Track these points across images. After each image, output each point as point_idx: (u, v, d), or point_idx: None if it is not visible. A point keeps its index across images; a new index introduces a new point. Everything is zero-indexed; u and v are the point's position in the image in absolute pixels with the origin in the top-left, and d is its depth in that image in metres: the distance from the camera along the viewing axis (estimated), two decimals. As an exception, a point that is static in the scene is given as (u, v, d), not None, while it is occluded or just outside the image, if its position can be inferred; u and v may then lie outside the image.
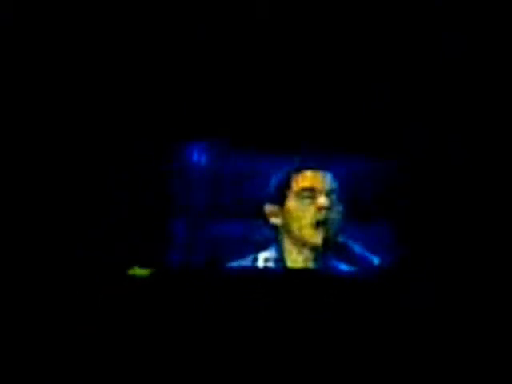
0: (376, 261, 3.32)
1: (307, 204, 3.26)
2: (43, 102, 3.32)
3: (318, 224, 3.25)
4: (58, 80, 3.33)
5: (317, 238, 3.26)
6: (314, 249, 3.28)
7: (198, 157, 3.34)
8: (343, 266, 3.32)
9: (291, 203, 3.28)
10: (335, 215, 3.28)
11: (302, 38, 3.37)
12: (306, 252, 3.29)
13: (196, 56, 3.39)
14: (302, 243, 3.28)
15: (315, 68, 3.42)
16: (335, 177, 3.32)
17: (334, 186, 3.31)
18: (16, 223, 3.21)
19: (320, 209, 3.25)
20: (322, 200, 3.25)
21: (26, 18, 3.30)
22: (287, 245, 3.30)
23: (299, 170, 3.32)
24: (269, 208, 3.30)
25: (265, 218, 3.30)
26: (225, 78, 3.39)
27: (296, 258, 3.29)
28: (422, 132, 3.46)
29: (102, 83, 3.35)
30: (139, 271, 3.19)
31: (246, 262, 3.28)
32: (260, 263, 3.29)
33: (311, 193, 3.27)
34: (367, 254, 3.32)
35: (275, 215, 3.30)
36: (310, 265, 3.29)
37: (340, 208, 3.30)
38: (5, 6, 3.28)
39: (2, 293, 3.08)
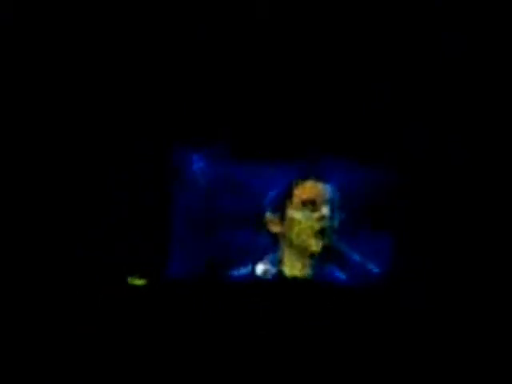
0: (374, 269, 3.36)
1: (308, 213, 3.32)
2: (43, 102, 3.32)
3: (319, 233, 3.31)
4: (59, 81, 3.33)
5: (317, 245, 3.31)
6: (312, 256, 3.34)
7: (199, 165, 3.36)
8: (341, 274, 3.36)
9: (292, 212, 3.33)
10: (334, 224, 3.33)
11: (302, 42, 3.38)
12: (305, 260, 3.35)
13: (200, 65, 3.40)
14: (301, 251, 3.34)
15: (316, 72, 3.43)
16: (335, 187, 3.37)
17: (333, 195, 3.36)
18: (16, 226, 3.21)
19: (321, 218, 3.30)
20: (324, 210, 3.32)
21: (26, 18, 3.30)
22: (286, 253, 3.35)
23: (300, 180, 3.37)
24: (269, 217, 3.35)
25: (264, 226, 3.34)
26: (226, 86, 3.40)
27: (294, 266, 3.34)
28: (422, 132, 3.46)
29: (106, 86, 3.36)
30: (138, 280, 3.21)
31: (245, 270, 3.32)
32: (259, 271, 3.33)
33: (312, 203, 3.33)
34: (365, 262, 3.35)
35: (275, 224, 3.34)
36: (309, 272, 3.35)
37: (338, 217, 3.35)
38: (5, 6, 3.28)
39: (3, 296, 3.09)
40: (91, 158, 3.32)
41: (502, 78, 3.45)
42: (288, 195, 3.34)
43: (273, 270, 3.33)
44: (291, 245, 3.33)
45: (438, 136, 3.47)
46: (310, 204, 3.32)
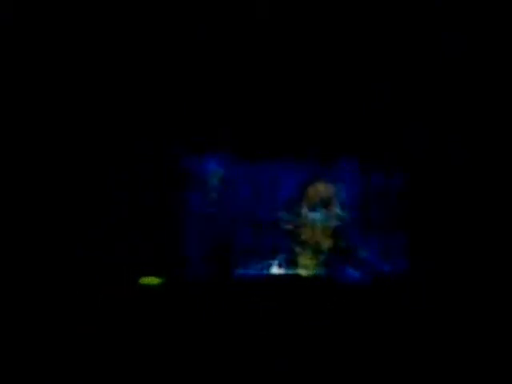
0: (386, 267, 3.41)
1: (321, 212, 3.40)
2: (44, 102, 3.31)
3: (332, 231, 3.39)
4: (61, 81, 3.33)
5: (330, 244, 3.40)
6: (325, 255, 3.40)
7: (212, 167, 3.42)
8: (354, 272, 3.41)
9: (306, 212, 3.41)
10: (346, 223, 3.41)
11: (303, 41, 3.39)
12: (318, 258, 3.41)
13: (210, 67, 3.41)
14: (314, 249, 3.41)
15: (316, 70, 3.44)
16: (346, 187, 3.45)
17: (344, 196, 3.44)
18: (19, 227, 3.21)
19: (334, 217, 3.40)
20: (336, 209, 3.41)
21: (26, 18, 3.29)
22: (299, 251, 3.41)
23: (313, 180, 3.44)
24: (283, 216, 3.41)
25: (278, 226, 3.41)
26: (237, 89, 3.42)
27: (308, 264, 3.41)
28: (422, 132, 3.47)
29: (111, 88, 3.36)
30: (151, 280, 3.24)
31: (259, 268, 3.38)
32: (273, 270, 3.39)
33: (325, 202, 3.41)
34: (377, 260, 3.40)
35: (289, 223, 3.40)
36: (322, 271, 3.41)
37: (350, 216, 3.42)
38: (5, 6, 3.27)
39: (10, 299, 3.09)
40: (95, 160, 3.33)
41: (501, 78, 3.45)
42: (302, 194, 3.41)
43: (286, 269, 3.38)
44: (305, 243, 3.40)
45: (438, 136, 3.47)
46: (323, 203, 3.39)
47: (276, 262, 3.39)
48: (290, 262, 3.39)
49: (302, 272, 3.39)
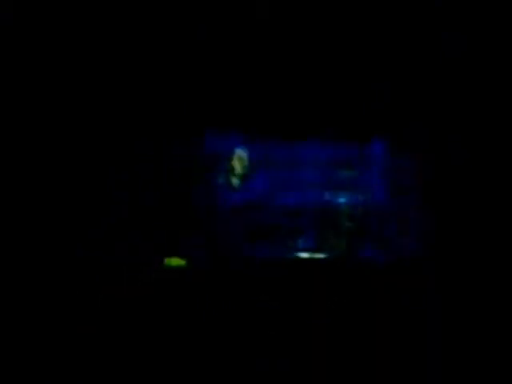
0: (408, 248, 3.44)
1: (345, 194, 3.49)
2: (43, 102, 3.32)
3: (355, 213, 3.47)
4: (60, 81, 3.34)
5: (353, 225, 3.47)
6: (348, 235, 3.46)
7: (238, 147, 3.47)
8: (376, 253, 3.46)
9: (330, 193, 3.50)
10: (368, 205, 3.50)
11: (303, 40, 3.40)
12: (341, 238, 3.46)
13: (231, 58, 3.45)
14: (337, 230, 3.47)
15: (315, 68, 3.45)
16: (370, 170, 3.54)
17: (367, 178, 3.53)
18: (19, 227, 3.22)
19: (357, 200, 3.49)
20: (360, 192, 3.50)
21: (26, 18, 3.30)
22: (324, 231, 3.47)
23: (337, 162, 3.53)
24: (307, 198, 3.49)
25: (303, 207, 3.47)
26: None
27: (332, 244, 3.45)
28: (422, 132, 3.47)
29: (110, 86, 3.37)
30: (176, 261, 3.26)
31: (283, 249, 3.42)
32: (298, 250, 3.43)
33: (348, 184, 3.51)
34: (400, 241, 3.46)
35: (313, 205, 3.48)
36: (346, 252, 3.46)
37: (372, 199, 3.51)
38: (5, 5, 3.28)
39: (11, 299, 3.10)
40: (95, 160, 3.35)
41: (501, 78, 3.45)
42: (326, 177, 3.50)
43: (310, 249, 3.42)
44: (328, 223, 3.46)
45: (438, 136, 3.48)
46: (347, 186, 3.49)
47: (301, 242, 3.43)
48: (315, 245, 3.43)
49: (326, 251, 3.42)
